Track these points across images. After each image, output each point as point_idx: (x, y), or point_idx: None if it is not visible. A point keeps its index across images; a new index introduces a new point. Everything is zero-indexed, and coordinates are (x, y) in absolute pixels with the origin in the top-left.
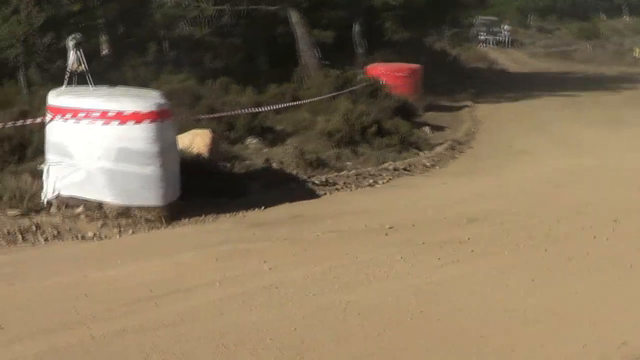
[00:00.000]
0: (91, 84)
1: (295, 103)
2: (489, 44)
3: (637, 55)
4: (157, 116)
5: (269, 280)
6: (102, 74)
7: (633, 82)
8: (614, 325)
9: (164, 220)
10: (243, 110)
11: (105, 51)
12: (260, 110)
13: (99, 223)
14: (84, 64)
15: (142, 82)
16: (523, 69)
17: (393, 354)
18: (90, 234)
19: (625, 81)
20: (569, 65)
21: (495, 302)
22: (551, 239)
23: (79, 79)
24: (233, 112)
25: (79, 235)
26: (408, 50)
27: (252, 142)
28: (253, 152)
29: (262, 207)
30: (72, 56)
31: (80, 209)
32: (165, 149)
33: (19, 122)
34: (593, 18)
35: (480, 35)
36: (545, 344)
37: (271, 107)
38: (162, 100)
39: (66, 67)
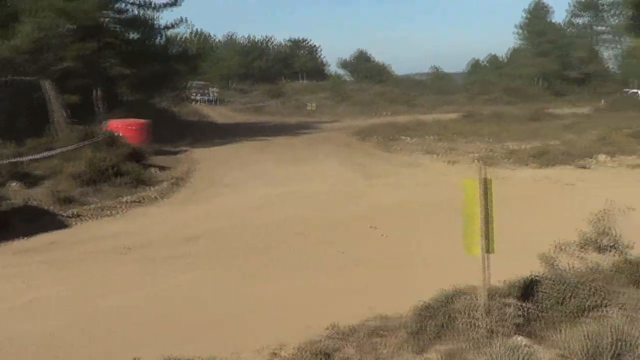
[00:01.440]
0: None
1: (49, 153)
2: (201, 102)
3: (311, 108)
4: None
5: (30, 296)
6: None
7: (308, 128)
8: (302, 312)
9: None
10: (6, 161)
11: None
12: (20, 159)
13: None
14: None
15: None
16: (228, 121)
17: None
18: None
19: (303, 128)
20: (261, 117)
21: (212, 302)
22: (252, 251)
23: None
24: None
25: None
26: (139, 109)
27: (14, 185)
28: (15, 193)
29: (24, 237)
30: None
31: None
32: None
33: None
34: (278, 81)
35: (194, 95)
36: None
37: (30, 157)
38: None
39: None
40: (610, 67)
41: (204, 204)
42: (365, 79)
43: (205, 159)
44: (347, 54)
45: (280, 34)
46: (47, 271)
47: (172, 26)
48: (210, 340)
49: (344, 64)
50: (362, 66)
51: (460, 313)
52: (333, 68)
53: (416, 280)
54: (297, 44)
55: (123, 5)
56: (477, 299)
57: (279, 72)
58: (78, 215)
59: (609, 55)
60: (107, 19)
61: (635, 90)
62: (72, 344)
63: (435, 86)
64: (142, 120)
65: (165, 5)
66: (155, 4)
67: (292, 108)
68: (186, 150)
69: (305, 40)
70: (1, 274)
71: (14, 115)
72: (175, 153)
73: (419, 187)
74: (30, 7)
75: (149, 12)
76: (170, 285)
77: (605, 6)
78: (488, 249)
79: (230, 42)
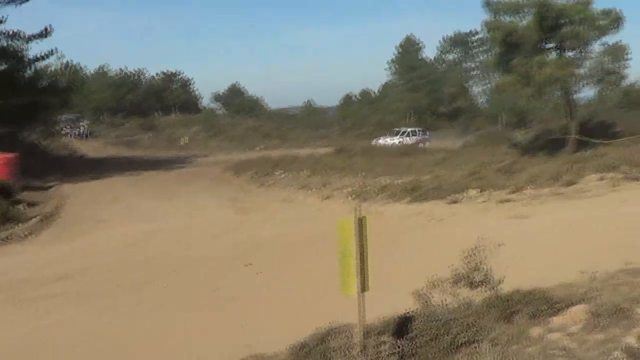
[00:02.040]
0: None
1: None
2: (72, 135)
3: (184, 142)
4: None
5: None
6: None
7: (182, 163)
8: (175, 351)
9: None
10: None
11: None
12: None
13: None
14: None
15: None
16: (100, 155)
17: None
18: None
19: (176, 162)
20: (133, 151)
21: (81, 342)
22: (124, 289)
23: None
24: None
25: None
26: (6, 143)
27: None
28: None
29: None
30: None
31: None
32: None
33: None
34: (151, 114)
35: (65, 129)
36: None
37: None
38: None
39: None
40: (480, 102)
41: (75, 242)
42: (239, 112)
43: (77, 195)
44: (221, 87)
45: (153, 67)
46: None
47: (42, 58)
48: None
49: (218, 98)
50: (236, 100)
51: (336, 352)
52: (207, 101)
53: (293, 317)
54: (169, 77)
55: None
56: (352, 337)
57: (152, 105)
58: None
59: (478, 90)
60: None
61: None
62: None
63: (308, 120)
64: (10, 155)
65: (35, 37)
66: (24, 34)
67: (165, 142)
68: (56, 186)
69: (178, 73)
70: None
71: None
72: (45, 188)
73: (293, 223)
74: None
75: (18, 43)
76: (39, 327)
77: (474, 43)
78: (363, 287)
79: (102, 74)
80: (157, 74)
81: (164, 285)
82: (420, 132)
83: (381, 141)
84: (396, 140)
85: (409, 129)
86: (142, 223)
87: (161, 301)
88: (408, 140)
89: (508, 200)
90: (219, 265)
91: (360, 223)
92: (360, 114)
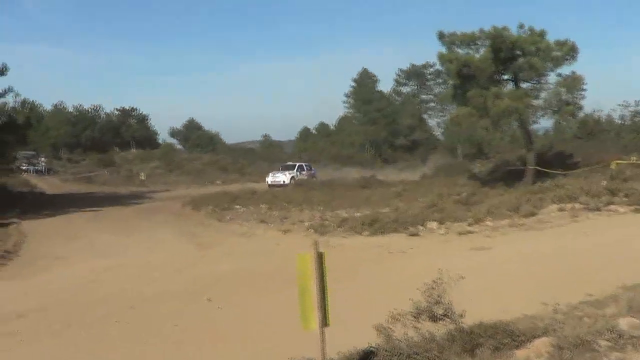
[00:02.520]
0: None
1: None
2: (30, 172)
3: (142, 177)
4: None
5: None
6: None
7: (140, 198)
8: None
9: None
10: None
11: None
12: None
13: None
14: None
15: None
16: (59, 191)
17: None
18: None
19: (135, 198)
20: (92, 187)
21: None
22: (84, 325)
23: None
24: None
25: None
26: None
27: None
28: None
29: None
30: None
31: None
32: None
33: None
34: (109, 150)
35: (23, 165)
36: None
37: None
38: None
39: None
40: (437, 134)
41: (35, 278)
42: (196, 147)
43: (36, 231)
44: (177, 122)
45: (108, 104)
46: None
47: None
48: None
49: (175, 133)
50: (193, 134)
51: None
52: (164, 136)
53: (254, 353)
54: (126, 113)
55: None
56: None
57: (110, 141)
58: None
59: (435, 122)
60: None
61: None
62: None
63: (266, 154)
64: None
65: None
66: None
67: (123, 177)
68: (15, 223)
69: (135, 109)
70: None
71: None
72: (3, 225)
73: (253, 257)
74: None
75: None
76: None
77: (429, 75)
78: (324, 322)
79: (59, 111)
80: (113, 110)
81: (126, 322)
82: (309, 167)
83: (278, 177)
84: (294, 174)
85: (304, 164)
86: (103, 259)
87: (121, 337)
88: (302, 175)
89: (468, 232)
90: (180, 301)
91: (320, 257)
92: (318, 147)
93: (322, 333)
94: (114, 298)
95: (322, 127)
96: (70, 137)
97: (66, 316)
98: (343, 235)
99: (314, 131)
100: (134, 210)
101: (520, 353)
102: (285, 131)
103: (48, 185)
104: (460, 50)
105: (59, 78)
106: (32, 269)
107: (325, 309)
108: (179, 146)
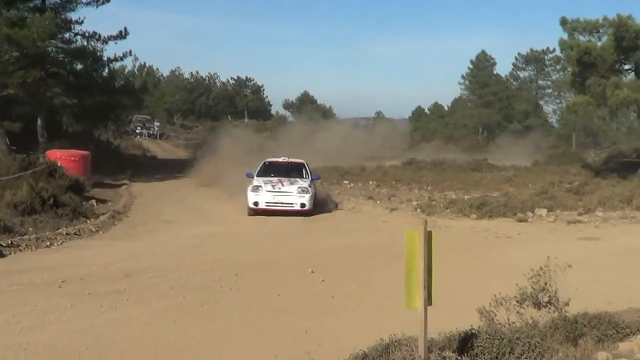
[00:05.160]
0: None
1: None
2: (144, 136)
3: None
4: None
5: None
6: None
7: (248, 165)
8: (237, 355)
9: None
10: None
11: None
12: None
13: None
14: None
15: None
16: (169, 156)
17: None
18: None
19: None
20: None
21: (144, 340)
22: (188, 290)
23: None
24: None
25: None
26: (81, 140)
27: None
28: None
29: None
30: None
31: None
32: None
33: None
34: (222, 119)
35: (137, 129)
36: None
37: None
38: None
39: None
40: (552, 120)
41: (143, 240)
42: (309, 121)
43: (145, 194)
44: (292, 95)
45: (225, 72)
46: None
47: (119, 59)
48: None
49: (288, 105)
50: (306, 108)
51: None
52: (278, 108)
53: (354, 326)
54: (241, 83)
55: (70, 35)
56: (415, 351)
57: (224, 110)
58: (14, 245)
59: (550, 109)
60: (52, 48)
61: None
62: None
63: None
64: (83, 152)
65: (112, 38)
66: (102, 36)
67: None
68: (126, 184)
69: (250, 79)
70: None
71: None
72: (115, 186)
73: (359, 232)
74: None
75: (95, 43)
76: (104, 321)
77: (548, 61)
78: (428, 301)
79: (176, 77)
80: (229, 79)
81: (229, 288)
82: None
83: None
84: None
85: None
86: (208, 225)
87: (224, 304)
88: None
89: (578, 222)
90: (284, 272)
91: (429, 236)
92: (430, 128)
93: (425, 312)
94: (218, 264)
95: (436, 107)
96: (185, 103)
97: (171, 279)
98: (450, 217)
99: (427, 111)
100: (244, 179)
101: (623, 345)
102: (399, 110)
103: (160, 149)
104: (582, 38)
105: (175, 45)
106: (139, 230)
107: (430, 288)
108: (291, 119)
